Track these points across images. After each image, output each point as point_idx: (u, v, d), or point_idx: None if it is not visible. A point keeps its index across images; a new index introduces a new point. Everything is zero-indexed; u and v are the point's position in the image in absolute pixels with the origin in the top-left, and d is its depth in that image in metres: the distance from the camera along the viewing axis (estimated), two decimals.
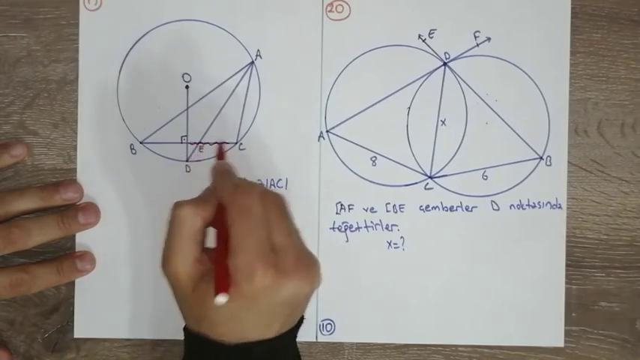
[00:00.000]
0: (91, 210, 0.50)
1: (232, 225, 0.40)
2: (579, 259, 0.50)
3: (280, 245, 0.40)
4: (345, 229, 0.50)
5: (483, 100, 0.50)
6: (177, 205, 0.42)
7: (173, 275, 0.41)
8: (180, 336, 0.51)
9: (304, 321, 0.43)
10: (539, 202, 0.50)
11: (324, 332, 0.50)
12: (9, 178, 0.51)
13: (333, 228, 0.50)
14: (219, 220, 0.41)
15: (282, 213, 0.42)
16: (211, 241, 0.41)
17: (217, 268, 0.40)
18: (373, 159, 0.50)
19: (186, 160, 0.51)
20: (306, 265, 0.41)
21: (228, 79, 0.51)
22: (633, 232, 0.51)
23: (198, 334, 0.41)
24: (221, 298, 0.38)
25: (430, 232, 0.50)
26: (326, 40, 0.51)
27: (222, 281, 0.39)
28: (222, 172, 0.45)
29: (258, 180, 0.50)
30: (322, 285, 0.50)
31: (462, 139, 0.50)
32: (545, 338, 0.50)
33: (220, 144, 0.50)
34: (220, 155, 0.48)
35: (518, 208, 0.50)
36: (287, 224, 0.41)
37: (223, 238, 0.40)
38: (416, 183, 0.51)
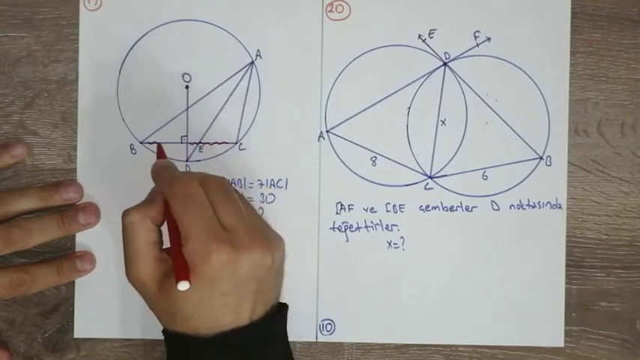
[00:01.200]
0: (91, 210, 0.50)
1: (177, 214, 0.41)
2: (579, 259, 0.50)
3: (230, 224, 0.41)
4: (345, 229, 0.50)
5: (483, 100, 0.50)
6: (125, 213, 0.42)
7: (137, 280, 0.42)
8: None
9: (287, 309, 0.44)
10: (539, 202, 0.50)
11: (324, 332, 0.50)
12: (9, 178, 0.51)
13: (333, 228, 0.50)
14: (169, 215, 0.42)
15: (227, 194, 0.42)
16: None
17: (174, 259, 0.41)
18: (373, 159, 0.50)
19: (186, 160, 0.51)
20: (263, 237, 0.41)
21: (228, 79, 0.51)
22: (633, 232, 0.51)
23: (176, 333, 0.41)
24: (182, 285, 0.39)
25: (430, 232, 0.50)
26: (326, 40, 0.51)
27: (180, 269, 0.40)
28: (161, 169, 0.45)
29: (258, 180, 0.50)
30: (322, 285, 0.50)
31: (462, 139, 0.50)
32: (545, 338, 0.50)
33: (159, 144, 0.49)
34: (160, 155, 0.48)
35: (518, 208, 0.50)
36: (233, 203, 0.42)
37: (175, 231, 0.41)
38: (416, 183, 0.51)
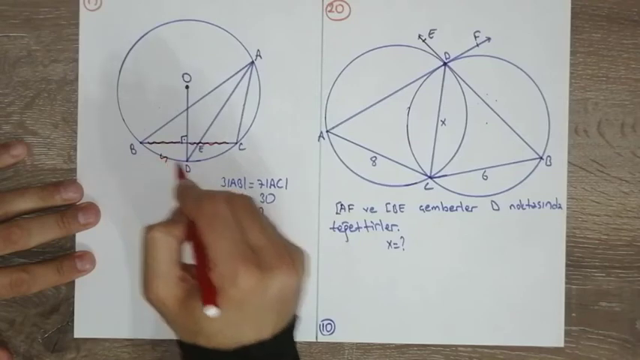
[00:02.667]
0: (91, 210, 0.50)
1: (204, 234, 0.40)
2: (579, 259, 0.50)
3: (257, 244, 0.40)
4: (345, 229, 0.50)
5: (483, 100, 0.50)
6: (148, 229, 0.41)
7: (157, 300, 0.41)
8: None
9: (300, 321, 0.43)
10: (539, 202, 0.50)
11: (324, 332, 0.50)
12: (9, 178, 0.51)
13: (333, 228, 0.50)
14: (193, 235, 0.41)
15: (252, 213, 0.41)
16: (189, 257, 0.41)
17: (200, 282, 0.40)
18: (373, 159, 0.50)
19: (186, 160, 0.51)
20: (289, 257, 0.40)
21: (228, 79, 0.51)
22: (633, 232, 0.51)
23: (194, 346, 0.41)
24: (211, 311, 0.38)
25: (430, 232, 0.50)
26: (326, 40, 0.51)
27: (208, 293, 0.39)
28: (185, 189, 0.45)
29: (258, 180, 0.50)
30: (322, 285, 0.50)
31: (462, 139, 0.50)
32: (545, 338, 0.50)
33: (178, 165, 0.49)
34: (180, 175, 0.47)
35: (518, 208, 0.50)
36: (259, 223, 0.41)
37: (200, 252, 0.40)
38: (416, 183, 0.51)
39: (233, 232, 0.40)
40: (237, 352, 0.40)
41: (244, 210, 0.41)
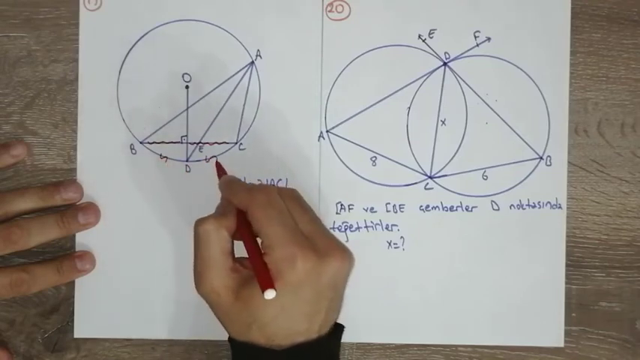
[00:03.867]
0: (91, 210, 0.50)
1: (259, 222, 0.41)
2: (579, 259, 0.50)
3: (309, 232, 0.41)
4: (345, 229, 0.50)
5: (483, 100, 0.50)
6: (200, 222, 0.42)
7: (212, 291, 0.41)
8: (180, 336, 0.51)
9: (344, 330, 0.44)
10: (539, 202, 0.50)
11: None
12: (9, 178, 0.51)
13: (333, 228, 0.50)
14: (243, 225, 0.42)
15: (302, 204, 0.43)
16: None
17: (256, 267, 0.40)
18: (373, 159, 0.50)
19: (186, 160, 0.51)
20: (340, 245, 0.42)
21: (228, 79, 0.51)
22: (633, 232, 0.51)
23: (245, 344, 0.41)
24: (269, 294, 0.39)
25: (430, 232, 0.50)
26: (326, 40, 0.51)
27: (265, 277, 0.40)
28: (232, 182, 0.46)
29: (258, 180, 0.50)
30: None
31: (462, 139, 0.50)
32: (545, 338, 0.50)
33: (217, 161, 0.49)
34: (220, 170, 0.48)
35: (519, 208, 0.50)
36: (309, 213, 0.43)
37: (252, 240, 0.41)
38: (416, 183, 0.51)
39: (287, 219, 0.41)
40: (289, 352, 0.41)
41: (294, 201, 0.43)
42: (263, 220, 0.41)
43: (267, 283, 0.39)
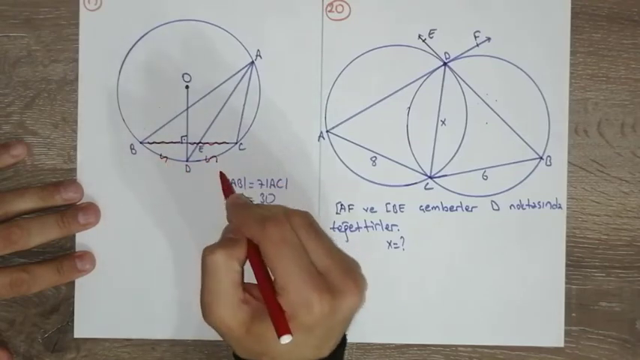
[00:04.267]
0: (91, 210, 0.50)
1: (272, 260, 0.39)
2: (579, 259, 0.50)
3: (323, 266, 0.40)
4: (345, 229, 0.50)
5: (483, 100, 0.50)
6: (209, 252, 0.40)
7: (221, 324, 0.40)
8: (180, 336, 0.51)
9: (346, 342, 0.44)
10: (539, 202, 0.50)
11: None
12: (9, 178, 0.51)
13: (333, 228, 0.50)
14: (253, 256, 0.40)
15: (315, 232, 0.41)
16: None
17: (271, 309, 0.39)
18: (373, 159, 0.50)
19: (186, 160, 0.51)
20: (355, 277, 0.40)
21: (228, 79, 0.51)
22: (633, 232, 0.51)
23: None
24: (286, 339, 0.38)
25: (430, 232, 0.50)
26: (326, 40, 0.51)
27: (281, 321, 0.38)
28: (240, 206, 0.43)
29: (258, 180, 0.50)
30: None
31: (462, 139, 0.50)
32: (545, 338, 0.50)
33: (222, 173, 0.48)
34: (226, 186, 0.47)
35: (518, 208, 0.50)
36: (322, 243, 0.41)
37: (263, 272, 0.40)
38: (416, 183, 0.51)
39: (301, 257, 0.39)
40: None
41: (307, 230, 0.41)
42: (276, 259, 0.39)
43: (283, 328, 0.38)
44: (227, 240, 0.41)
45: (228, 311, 0.40)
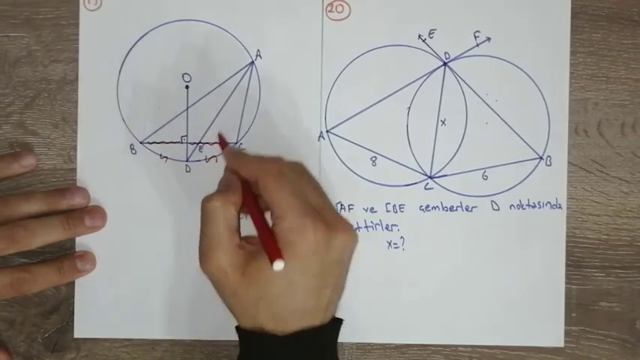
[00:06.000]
0: (98, 213, 0.50)
1: (270, 192, 0.41)
2: (579, 259, 0.50)
3: (318, 205, 0.41)
4: None
5: (483, 100, 0.50)
6: (208, 200, 0.42)
7: (218, 269, 0.41)
8: (180, 336, 0.51)
9: (342, 323, 0.44)
10: (539, 202, 0.50)
11: None
12: (10, 178, 0.51)
13: None
14: (248, 198, 0.42)
15: (309, 177, 0.43)
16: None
17: (264, 238, 0.40)
18: (373, 159, 0.50)
19: (186, 160, 0.51)
20: (347, 221, 0.42)
21: (228, 79, 0.51)
22: (633, 232, 0.51)
23: (253, 332, 0.41)
24: (278, 264, 0.39)
25: (430, 232, 0.50)
26: (326, 40, 0.51)
27: (274, 247, 0.39)
28: (238, 153, 0.46)
29: None
30: None
31: (462, 139, 0.50)
32: (545, 338, 0.50)
33: (219, 133, 0.50)
34: (223, 142, 0.49)
35: (518, 208, 0.50)
36: (316, 186, 0.43)
37: (259, 213, 0.41)
38: (416, 183, 0.51)
39: (298, 190, 0.41)
40: (296, 337, 0.40)
41: (302, 174, 0.43)
42: (274, 189, 0.41)
43: (275, 253, 0.39)
44: (223, 187, 0.44)
45: (225, 255, 0.41)
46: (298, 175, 0.42)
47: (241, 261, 0.41)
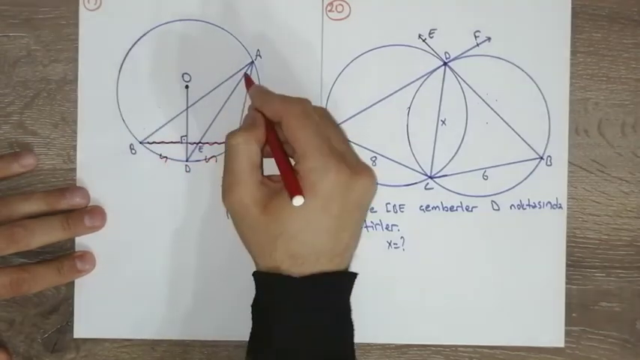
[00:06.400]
0: (98, 213, 0.50)
1: (294, 131, 0.41)
2: (579, 259, 0.50)
3: (340, 148, 0.42)
4: None
5: (483, 100, 0.50)
6: (231, 136, 0.43)
7: (239, 203, 0.42)
8: (180, 336, 0.51)
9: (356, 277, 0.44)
10: (539, 202, 0.50)
11: None
12: (9, 178, 0.51)
13: None
14: (272, 137, 0.43)
15: (333, 122, 0.44)
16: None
17: (285, 175, 0.41)
18: (373, 159, 0.50)
19: (186, 160, 0.51)
20: (369, 166, 0.43)
21: (228, 79, 0.51)
22: (633, 232, 0.51)
23: (268, 274, 0.41)
24: (298, 200, 0.39)
25: (430, 232, 0.50)
26: (326, 40, 0.51)
27: (294, 184, 0.40)
28: (264, 92, 0.46)
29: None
30: None
31: (462, 139, 0.50)
32: (545, 338, 0.50)
33: (246, 73, 0.50)
34: (250, 81, 0.49)
35: (519, 208, 0.50)
36: (339, 131, 0.43)
37: (281, 150, 0.42)
38: (416, 183, 0.50)
39: (322, 130, 0.42)
40: (313, 279, 0.41)
41: (326, 118, 0.43)
42: (298, 129, 0.41)
43: (295, 189, 0.39)
44: (247, 124, 0.44)
45: (247, 191, 0.42)
46: (323, 118, 0.43)
47: (263, 197, 0.41)
